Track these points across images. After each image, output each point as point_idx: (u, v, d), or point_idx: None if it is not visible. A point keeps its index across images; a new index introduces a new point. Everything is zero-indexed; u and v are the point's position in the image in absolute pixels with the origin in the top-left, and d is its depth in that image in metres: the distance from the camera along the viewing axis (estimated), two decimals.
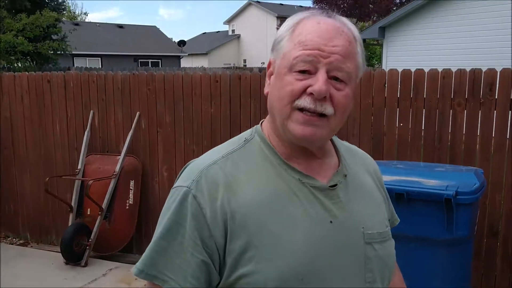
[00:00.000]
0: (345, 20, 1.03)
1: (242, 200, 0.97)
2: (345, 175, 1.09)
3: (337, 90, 0.97)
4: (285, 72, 0.99)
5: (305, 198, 1.00)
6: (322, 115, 0.97)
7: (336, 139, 1.16)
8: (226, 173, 1.00)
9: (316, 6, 34.46)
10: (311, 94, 0.96)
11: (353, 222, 1.03)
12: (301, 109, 0.97)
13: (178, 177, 1.05)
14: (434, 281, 2.63)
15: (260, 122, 1.12)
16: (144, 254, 0.99)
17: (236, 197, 0.97)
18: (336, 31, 0.98)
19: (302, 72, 0.97)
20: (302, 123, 0.97)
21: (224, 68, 25.28)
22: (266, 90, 1.07)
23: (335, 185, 1.05)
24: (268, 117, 1.09)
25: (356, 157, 1.19)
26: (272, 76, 1.05)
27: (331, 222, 1.01)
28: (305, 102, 0.96)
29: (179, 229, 0.96)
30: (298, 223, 0.98)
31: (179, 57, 30.60)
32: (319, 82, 0.95)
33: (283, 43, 1.02)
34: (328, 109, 0.97)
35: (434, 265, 2.63)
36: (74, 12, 41.83)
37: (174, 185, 1.03)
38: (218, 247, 0.95)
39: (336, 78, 0.97)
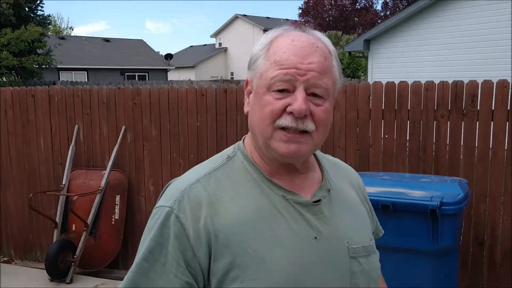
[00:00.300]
0: (319, 34, 1.04)
1: (225, 219, 0.96)
2: (329, 190, 1.09)
3: (316, 106, 0.98)
4: (264, 92, 0.99)
5: (289, 215, 1.00)
6: (304, 132, 0.98)
7: (319, 153, 1.17)
8: (209, 191, 0.99)
9: (302, 20, 34.84)
10: (291, 113, 0.96)
11: (337, 237, 1.03)
12: (283, 128, 0.97)
13: (160, 197, 1.04)
14: None
15: (242, 138, 1.12)
16: (126, 276, 0.98)
17: (219, 216, 0.96)
18: (311, 47, 0.99)
19: (281, 91, 0.97)
20: (285, 141, 0.98)
21: (211, 81, 25.33)
22: (246, 109, 1.07)
23: (319, 200, 1.05)
24: (249, 134, 1.09)
25: (339, 170, 1.20)
26: (250, 95, 1.05)
27: (315, 238, 1.00)
28: (286, 121, 0.96)
29: (161, 250, 0.95)
30: (282, 241, 0.97)
31: (166, 70, 30.59)
32: (298, 101, 0.95)
33: (259, 62, 1.02)
34: (310, 125, 0.97)
35: (420, 275, 2.63)
36: (60, 26, 41.64)
37: (156, 205, 1.02)
38: (202, 267, 0.94)
39: (314, 94, 0.98)
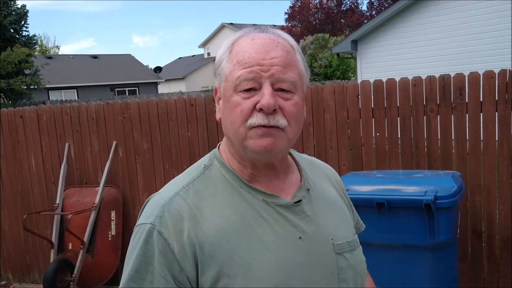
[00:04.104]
0: (279, 32, 1.04)
1: (208, 229, 0.96)
2: (308, 189, 1.09)
3: (285, 100, 0.98)
4: (231, 93, 0.98)
5: (271, 218, 1.00)
6: (276, 127, 0.97)
7: (295, 153, 1.17)
8: (189, 203, 0.98)
9: (289, 24, 34.98)
10: (261, 110, 0.95)
11: (321, 235, 1.04)
12: (255, 127, 0.96)
13: (140, 214, 1.03)
14: (422, 286, 2.63)
15: (218, 145, 1.11)
16: None
17: (202, 227, 0.96)
18: (272, 43, 0.99)
19: (247, 90, 0.97)
20: (260, 136, 0.96)
21: (202, 91, 25.34)
22: (218, 116, 1.06)
23: (299, 200, 1.05)
24: (225, 140, 1.08)
25: (316, 169, 1.20)
26: (220, 101, 1.05)
27: (300, 238, 1.00)
28: (257, 119, 0.96)
29: (147, 268, 0.94)
30: (267, 245, 0.97)
31: (156, 84, 30.58)
32: (265, 96, 0.95)
33: (223, 66, 1.01)
34: (281, 121, 0.97)
35: (420, 271, 2.62)
36: (46, 46, 41.54)
37: (137, 223, 1.01)
38: (190, 280, 0.94)
39: (282, 89, 0.98)
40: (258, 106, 0.95)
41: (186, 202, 0.98)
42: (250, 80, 0.96)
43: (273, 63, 0.96)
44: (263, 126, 0.96)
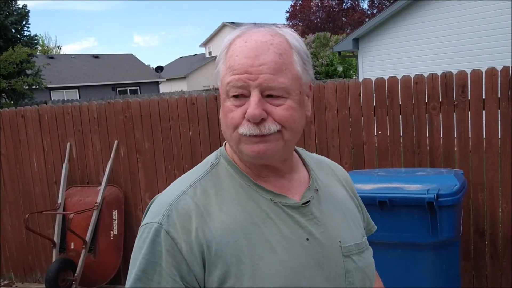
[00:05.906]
0: (277, 29, 0.99)
1: (216, 229, 0.94)
2: (317, 189, 1.07)
3: (276, 106, 0.94)
4: (224, 98, 0.97)
5: (279, 219, 0.98)
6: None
7: (303, 152, 1.15)
8: (197, 202, 0.97)
9: (290, 23, 34.94)
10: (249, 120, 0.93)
11: (329, 237, 1.02)
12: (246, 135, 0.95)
13: (146, 214, 1.01)
14: (424, 285, 2.62)
15: (224, 143, 1.09)
16: None
17: (209, 226, 0.94)
18: (263, 46, 0.94)
19: (237, 96, 0.94)
20: (254, 142, 0.95)
21: (203, 90, 25.35)
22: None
23: (308, 201, 1.03)
24: None
25: (326, 168, 1.18)
26: None
27: (307, 239, 0.99)
28: (248, 129, 0.94)
29: (155, 268, 0.92)
30: (274, 246, 0.96)
31: (157, 83, 30.59)
32: (251, 106, 0.92)
33: (219, 67, 1.00)
34: (272, 127, 0.94)
35: (422, 269, 2.62)
36: (48, 46, 41.56)
37: (142, 223, 0.98)
38: (198, 280, 0.92)
39: (272, 95, 0.94)
40: (246, 116, 0.93)
41: (193, 201, 0.97)
42: (239, 87, 0.93)
43: (261, 71, 0.92)
44: (255, 136, 0.94)
